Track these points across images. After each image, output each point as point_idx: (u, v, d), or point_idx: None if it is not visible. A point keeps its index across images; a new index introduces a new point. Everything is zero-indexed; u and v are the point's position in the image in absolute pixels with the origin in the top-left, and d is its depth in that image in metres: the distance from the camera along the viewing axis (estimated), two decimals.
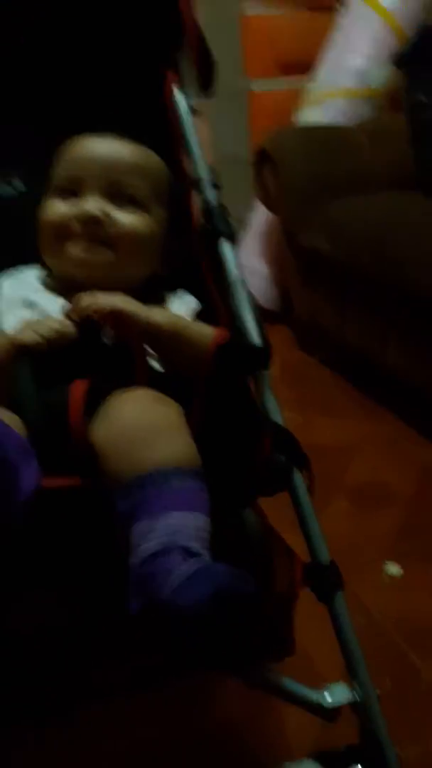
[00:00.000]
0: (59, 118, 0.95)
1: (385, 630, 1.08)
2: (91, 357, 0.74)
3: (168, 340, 0.75)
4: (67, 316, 0.74)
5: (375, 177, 2.07)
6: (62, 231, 0.82)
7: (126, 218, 0.82)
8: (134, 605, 0.60)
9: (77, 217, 0.81)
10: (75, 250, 0.81)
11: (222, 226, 0.87)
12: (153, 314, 0.75)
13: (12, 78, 0.97)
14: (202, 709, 0.97)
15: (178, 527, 0.61)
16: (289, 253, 2.16)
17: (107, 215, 0.81)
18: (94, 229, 0.81)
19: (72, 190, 0.84)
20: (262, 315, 0.82)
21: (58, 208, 0.83)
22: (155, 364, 0.78)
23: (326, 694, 0.71)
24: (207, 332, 0.77)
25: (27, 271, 0.88)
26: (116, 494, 0.63)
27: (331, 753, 0.73)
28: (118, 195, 0.83)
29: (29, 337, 0.71)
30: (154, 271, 0.86)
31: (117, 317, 0.73)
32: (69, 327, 0.72)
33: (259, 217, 2.43)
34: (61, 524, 0.66)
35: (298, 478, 0.75)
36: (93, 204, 0.81)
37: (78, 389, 0.67)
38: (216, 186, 0.90)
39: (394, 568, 1.21)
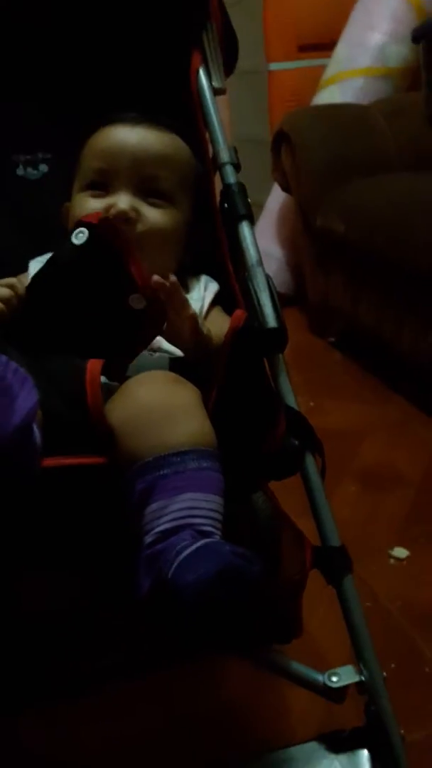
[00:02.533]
0: (85, 99, 0.95)
1: (391, 614, 1.09)
2: (109, 320, 0.74)
3: (207, 349, 0.76)
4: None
5: (392, 157, 2.06)
6: None
7: (155, 215, 0.83)
8: (143, 585, 0.61)
9: (108, 215, 0.81)
10: None
11: (242, 207, 0.87)
12: (208, 329, 0.77)
13: (38, 58, 0.96)
14: (206, 690, 0.98)
15: (192, 508, 0.61)
16: (303, 235, 2.15)
17: (138, 212, 0.82)
18: (124, 226, 0.80)
19: (102, 184, 0.84)
20: (280, 297, 0.82)
21: (89, 204, 0.84)
22: (173, 350, 0.79)
23: (332, 675, 0.72)
24: (225, 326, 0.76)
25: None
26: (132, 474, 0.63)
27: (337, 735, 0.73)
28: (147, 189, 0.83)
29: None
30: (180, 262, 0.87)
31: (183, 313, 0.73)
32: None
33: (274, 199, 2.42)
34: (75, 503, 0.66)
35: (311, 463, 0.75)
36: (124, 200, 0.82)
37: (94, 369, 0.67)
38: (237, 167, 0.90)
39: (401, 552, 1.22)
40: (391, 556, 1.21)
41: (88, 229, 0.74)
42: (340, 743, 0.72)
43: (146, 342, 0.75)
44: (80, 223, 0.75)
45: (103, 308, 0.74)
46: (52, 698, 0.87)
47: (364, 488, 1.42)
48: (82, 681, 0.82)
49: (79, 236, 0.74)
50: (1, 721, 0.91)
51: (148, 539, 0.61)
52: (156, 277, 0.72)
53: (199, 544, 0.58)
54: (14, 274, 0.86)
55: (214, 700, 0.96)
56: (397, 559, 1.21)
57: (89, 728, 0.92)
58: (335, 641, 0.77)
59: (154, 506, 0.62)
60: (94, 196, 0.84)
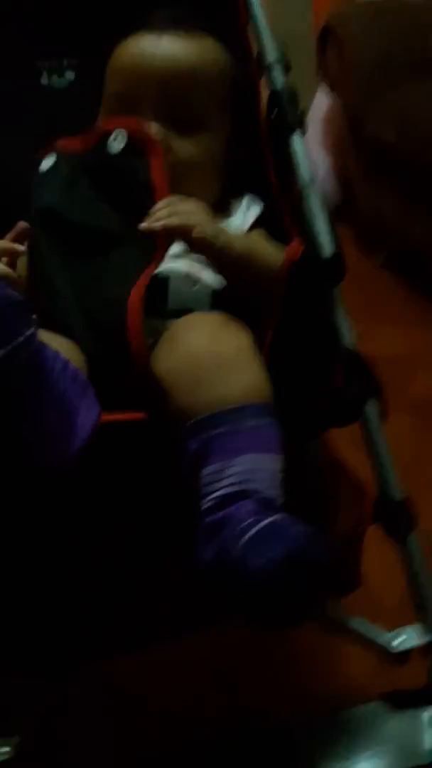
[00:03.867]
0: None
1: None
2: None
3: (240, 265, 0.69)
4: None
5: None
6: None
7: (186, 147, 0.76)
8: (205, 555, 0.58)
9: None
10: None
11: (292, 116, 0.78)
12: (228, 238, 0.69)
13: None
14: (260, 649, 0.95)
15: (252, 471, 0.59)
16: (352, 142, 2.01)
17: (167, 145, 0.74)
18: None
19: (127, 108, 0.77)
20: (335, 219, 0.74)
21: None
22: (214, 280, 0.72)
23: (396, 636, 0.70)
24: (278, 254, 0.70)
25: None
26: (184, 433, 0.60)
27: (402, 694, 0.71)
28: (177, 115, 0.76)
29: None
30: (221, 188, 0.80)
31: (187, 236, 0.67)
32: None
33: (320, 102, 2.26)
34: (121, 462, 0.62)
35: (371, 409, 0.70)
36: (153, 131, 0.74)
37: (134, 304, 0.62)
38: (287, 67, 0.80)
39: None
40: None
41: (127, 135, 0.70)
42: (404, 703, 0.71)
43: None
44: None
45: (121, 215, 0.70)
46: (116, 653, 0.84)
47: (418, 420, 1.35)
48: (143, 637, 0.80)
49: (117, 141, 0.71)
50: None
51: (207, 504, 0.59)
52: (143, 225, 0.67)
53: (264, 523, 0.54)
54: None
55: (271, 659, 0.95)
56: None
57: (155, 681, 0.92)
58: (398, 595, 0.73)
59: (210, 468, 0.59)
60: None
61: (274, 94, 0.79)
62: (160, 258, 0.67)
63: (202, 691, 0.91)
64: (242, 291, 0.71)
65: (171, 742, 0.85)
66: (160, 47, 0.76)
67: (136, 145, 0.70)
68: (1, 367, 0.52)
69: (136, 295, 0.63)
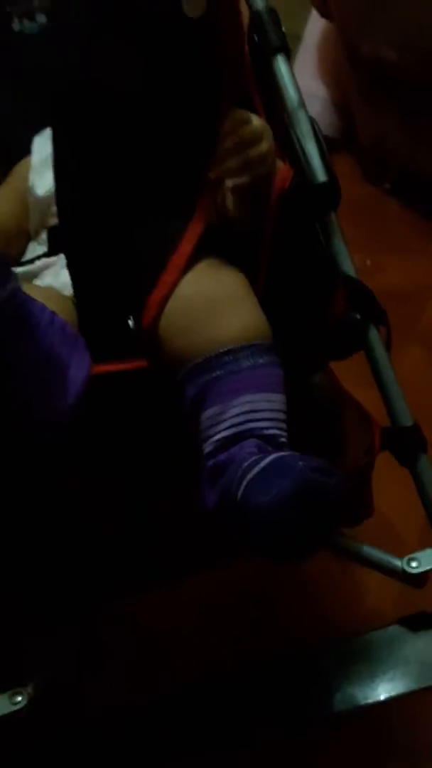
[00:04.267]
0: None
1: None
2: None
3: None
4: None
5: None
6: None
7: None
8: (209, 499, 0.58)
9: None
10: None
11: (275, 38, 0.74)
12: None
13: None
14: (280, 578, 0.96)
15: (253, 411, 0.58)
16: (350, 68, 1.93)
17: None
18: None
19: None
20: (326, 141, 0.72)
21: None
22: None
23: (412, 560, 0.70)
24: None
25: None
26: (183, 378, 0.59)
27: (420, 616, 0.72)
28: None
29: None
30: None
31: None
32: None
33: (313, 27, 2.16)
34: (122, 412, 0.62)
35: (375, 336, 0.70)
36: None
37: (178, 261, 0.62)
38: None
39: None
40: None
41: None
42: (423, 624, 0.72)
43: None
44: None
45: None
46: (138, 589, 0.85)
47: (430, 351, 1.33)
48: (159, 572, 0.80)
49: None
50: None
51: (207, 448, 0.59)
52: None
53: (267, 460, 0.54)
54: (14, 150, 0.77)
55: (291, 587, 0.96)
56: None
57: (175, 616, 0.94)
58: (410, 523, 0.78)
59: (209, 412, 0.59)
60: None
61: (254, 16, 0.75)
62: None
63: (222, 624, 0.93)
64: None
65: (196, 673, 0.86)
66: None
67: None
68: None
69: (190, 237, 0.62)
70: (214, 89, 0.67)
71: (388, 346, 0.70)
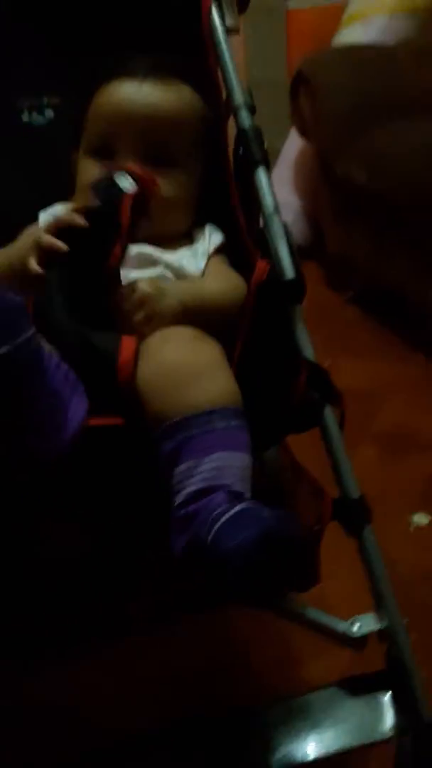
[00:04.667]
0: (92, 37, 0.90)
1: (411, 583, 1.06)
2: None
3: (193, 312, 0.74)
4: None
5: (420, 102, 1.94)
6: None
7: (163, 186, 0.79)
8: (178, 545, 0.61)
9: None
10: None
11: (258, 153, 0.82)
12: (180, 296, 0.74)
13: (38, 4, 0.92)
14: (222, 636, 0.98)
15: (223, 467, 0.62)
16: (323, 184, 2.07)
17: None
18: None
19: (107, 149, 0.81)
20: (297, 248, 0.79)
21: (95, 171, 0.80)
22: None
23: (354, 623, 0.72)
24: (231, 288, 0.77)
25: (63, 208, 0.85)
26: (160, 435, 0.63)
27: (358, 679, 0.73)
28: (155, 155, 0.80)
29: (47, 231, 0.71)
30: (192, 221, 0.84)
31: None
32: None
33: (293, 145, 2.33)
34: (102, 464, 0.66)
35: (330, 414, 0.74)
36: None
37: (129, 345, 0.66)
38: (252, 110, 0.85)
39: (422, 519, 1.18)
40: (411, 523, 1.18)
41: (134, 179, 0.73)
42: (361, 687, 0.73)
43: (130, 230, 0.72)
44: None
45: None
46: (64, 647, 0.86)
47: (384, 451, 1.38)
48: (97, 630, 0.82)
49: (124, 181, 0.73)
50: (12, 668, 0.91)
51: (179, 499, 0.62)
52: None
53: (236, 509, 0.58)
54: (21, 228, 0.82)
55: (230, 647, 0.97)
56: (418, 526, 1.17)
57: (99, 677, 0.93)
58: (354, 591, 0.76)
59: (183, 467, 0.63)
60: (100, 165, 0.81)
61: (241, 133, 0.83)
62: None
63: (160, 683, 0.93)
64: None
65: (127, 731, 0.84)
66: (141, 94, 0.81)
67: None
68: (6, 363, 0.56)
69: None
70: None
71: (341, 425, 0.74)
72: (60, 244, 0.70)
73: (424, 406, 1.52)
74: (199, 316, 0.74)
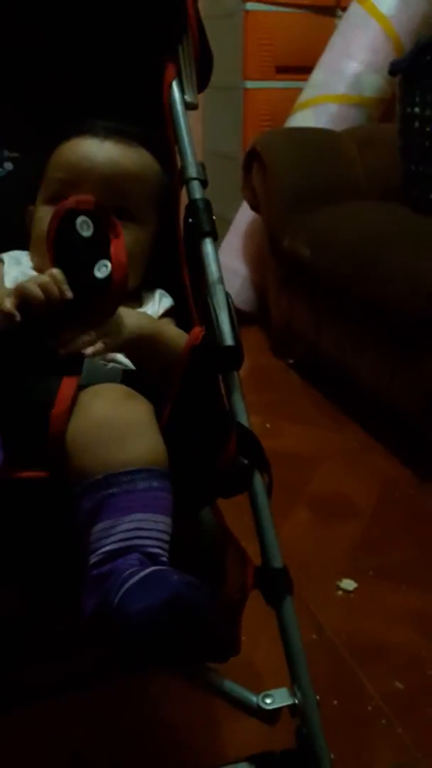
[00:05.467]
0: (56, 101, 0.93)
1: (336, 647, 1.07)
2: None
3: (147, 343, 0.75)
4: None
5: (363, 186, 2.07)
6: None
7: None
8: (87, 606, 0.60)
9: None
10: None
11: (206, 224, 0.85)
12: (139, 323, 0.76)
13: (10, 57, 0.94)
14: (140, 706, 0.96)
15: (139, 529, 0.62)
16: (269, 255, 2.14)
17: None
18: None
19: (67, 197, 0.81)
20: (238, 316, 0.81)
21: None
22: (127, 362, 0.77)
23: (266, 697, 0.72)
24: (181, 336, 0.77)
25: (22, 255, 0.87)
26: (81, 491, 0.63)
27: (268, 756, 0.72)
28: (113, 208, 0.81)
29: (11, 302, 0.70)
30: (143, 278, 0.86)
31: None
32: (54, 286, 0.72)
33: (243, 216, 2.41)
34: (27, 518, 0.65)
35: (258, 481, 0.74)
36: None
37: (67, 388, 0.66)
38: (204, 183, 0.88)
39: (349, 584, 1.20)
40: (338, 588, 1.20)
41: (91, 219, 0.73)
42: (270, 765, 0.72)
43: (108, 311, 0.73)
44: (76, 212, 0.74)
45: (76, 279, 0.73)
46: None
47: (316, 516, 1.41)
48: (16, 692, 0.82)
49: (84, 227, 0.73)
50: None
51: (94, 558, 0.61)
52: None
53: (146, 572, 0.58)
54: None
55: (144, 719, 0.95)
56: (345, 591, 1.19)
57: (17, 743, 0.89)
58: (274, 663, 0.75)
59: (101, 525, 0.62)
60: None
61: (191, 203, 0.86)
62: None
63: (76, 757, 0.89)
64: (150, 369, 0.76)
65: None
66: (102, 149, 0.83)
67: (103, 229, 0.73)
68: None
69: (71, 380, 0.67)
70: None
71: (269, 492, 0.73)
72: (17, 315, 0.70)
73: (358, 473, 1.56)
74: (152, 349, 0.74)
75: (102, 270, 0.72)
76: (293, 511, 1.40)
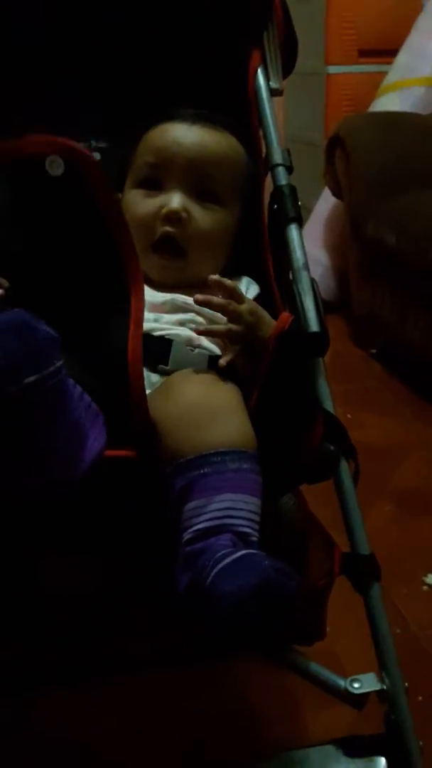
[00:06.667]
0: (140, 91, 0.94)
1: (420, 643, 1.05)
2: None
3: (255, 328, 0.75)
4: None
5: None
6: (147, 232, 0.82)
7: (205, 218, 0.82)
8: (181, 582, 0.62)
9: (160, 215, 0.81)
10: (155, 256, 0.82)
11: (292, 210, 0.85)
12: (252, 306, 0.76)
13: (97, 47, 0.95)
14: (222, 687, 0.98)
15: (231, 508, 0.62)
16: (352, 243, 2.11)
17: (189, 213, 0.81)
18: (174, 226, 0.81)
19: (155, 181, 0.83)
20: (323, 303, 0.80)
21: (143, 204, 0.83)
22: (213, 347, 0.78)
23: (355, 681, 0.72)
24: (272, 323, 0.76)
25: None
26: (173, 471, 0.64)
27: (355, 740, 0.73)
28: (201, 190, 0.83)
29: None
30: (226, 264, 0.86)
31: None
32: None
33: (325, 204, 2.38)
34: (112, 495, 0.66)
35: (344, 468, 0.74)
36: (177, 200, 0.81)
37: (135, 354, 0.67)
38: (289, 169, 0.88)
39: None
40: (424, 583, 1.17)
41: (63, 159, 0.68)
42: (357, 748, 0.72)
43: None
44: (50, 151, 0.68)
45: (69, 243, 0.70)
46: (67, 683, 0.88)
47: (400, 510, 1.38)
48: (98, 669, 0.83)
49: (54, 166, 0.68)
50: (13, 699, 0.93)
51: (187, 536, 0.62)
52: (215, 277, 0.73)
53: (239, 554, 0.59)
54: None
55: (230, 698, 0.96)
56: (431, 586, 1.16)
57: (101, 717, 0.93)
58: (356, 651, 0.77)
59: (192, 504, 0.63)
60: (147, 195, 0.83)
61: (277, 189, 0.86)
62: (139, 309, 0.69)
63: (160, 733, 0.92)
64: (242, 352, 0.75)
65: None
66: (191, 133, 0.84)
67: (75, 168, 0.68)
68: (32, 390, 0.56)
69: (134, 347, 0.67)
70: None
71: (355, 478, 0.74)
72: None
73: None
74: (254, 335, 0.74)
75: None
76: (376, 505, 1.38)
